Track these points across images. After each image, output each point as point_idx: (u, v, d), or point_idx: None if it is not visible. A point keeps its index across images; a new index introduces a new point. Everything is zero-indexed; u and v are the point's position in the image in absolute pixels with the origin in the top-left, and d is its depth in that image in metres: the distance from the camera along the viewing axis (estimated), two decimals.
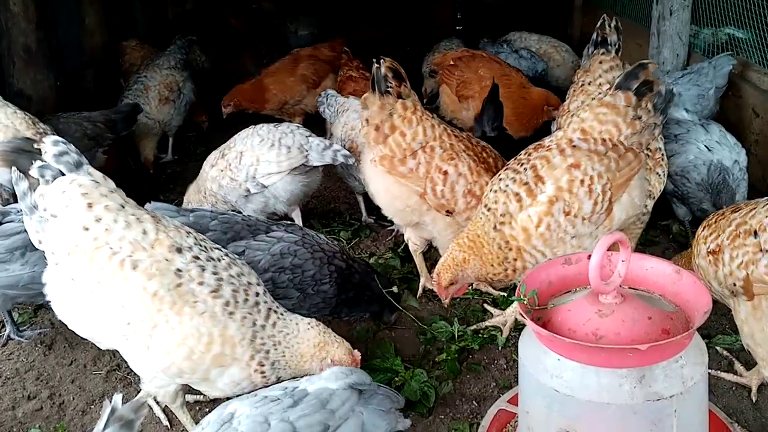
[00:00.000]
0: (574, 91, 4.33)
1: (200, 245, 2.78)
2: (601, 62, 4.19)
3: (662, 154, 4.16)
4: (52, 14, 6.18)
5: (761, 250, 2.82)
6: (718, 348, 3.54)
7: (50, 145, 2.65)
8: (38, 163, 2.64)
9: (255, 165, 4.37)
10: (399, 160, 3.66)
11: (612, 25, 4.16)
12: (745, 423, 3.10)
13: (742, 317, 2.98)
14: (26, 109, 5.53)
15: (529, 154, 3.40)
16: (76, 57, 6.88)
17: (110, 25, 7.54)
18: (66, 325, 3.90)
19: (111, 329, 2.68)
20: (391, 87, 3.61)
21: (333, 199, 5.63)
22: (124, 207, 2.69)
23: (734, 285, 2.91)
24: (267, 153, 4.36)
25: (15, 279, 3.39)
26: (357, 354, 2.90)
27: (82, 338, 3.83)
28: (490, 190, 3.44)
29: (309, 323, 2.85)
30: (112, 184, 2.74)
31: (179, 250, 2.68)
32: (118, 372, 3.61)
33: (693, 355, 2.34)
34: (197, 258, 2.70)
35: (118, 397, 1.97)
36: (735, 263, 2.90)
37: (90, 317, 2.70)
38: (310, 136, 4.43)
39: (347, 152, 4.38)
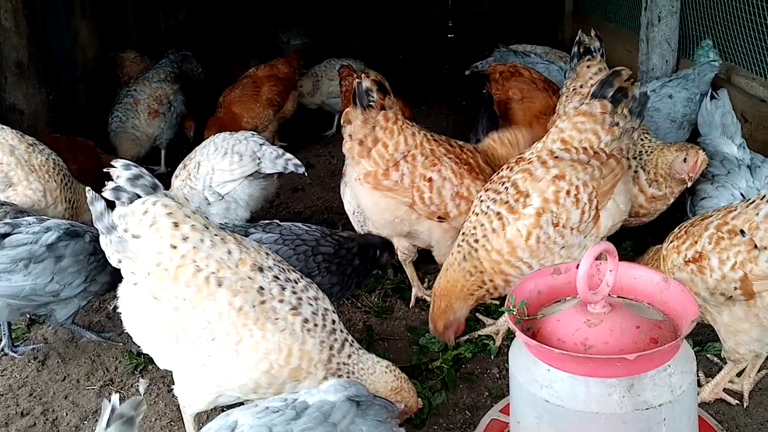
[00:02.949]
0: (567, 97, 4.35)
1: (279, 266, 2.84)
2: (588, 66, 4.22)
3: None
4: (44, 28, 6.20)
5: (756, 248, 2.81)
6: (708, 355, 3.55)
7: (122, 169, 2.69)
8: (111, 184, 2.68)
9: (211, 174, 4.42)
10: (383, 173, 3.67)
11: (592, 34, 4.20)
12: (737, 428, 3.11)
13: (740, 315, 2.93)
14: (19, 124, 5.58)
15: (511, 169, 3.42)
16: (68, 71, 6.89)
17: (103, 39, 7.56)
18: (59, 341, 3.97)
19: (192, 346, 2.69)
20: (374, 101, 3.63)
21: (327, 209, 5.64)
22: (207, 228, 2.74)
23: (734, 289, 2.87)
24: (221, 162, 4.41)
25: (17, 289, 3.45)
26: (420, 402, 2.97)
27: (75, 353, 3.89)
28: (472, 212, 3.46)
29: (387, 366, 2.88)
30: (192, 205, 2.77)
31: (261, 269, 2.74)
32: (111, 387, 3.61)
33: (681, 364, 2.35)
34: (277, 278, 2.76)
35: (115, 397, 2.00)
36: (727, 266, 2.87)
37: (168, 334, 2.71)
38: (263, 144, 4.49)
39: (298, 161, 4.47)
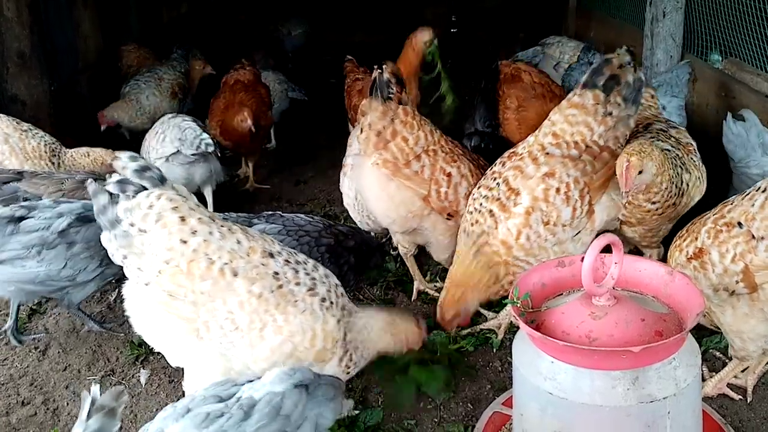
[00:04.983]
0: None
1: (287, 250, 2.85)
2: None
3: (696, 153, 3.74)
4: (47, 19, 6.19)
5: (754, 238, 2.80)
6: (711, 350, 3.53)
7: (128, 161, 2.65)
8: (115, 177, 2.63)
9: (148, 150, 4.90)
10: (403, 163, 3.65)
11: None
12: (740, 423, 3.10)
13: (745, 311, 2.92)
14: (20, 114, 5.57)
15: (503, 164, 3.40)
16: (70, 62, 6.89)
17: (105, 30, 7.55)
18: (60, 331, 3.96)
19: (215, 338, 2.67)
20: (393, 93, 3.59)
21: (329, 201, 5.63)
22: (213, 219, 2.73)
23: (736, 282, 2.86)
24: (152, 140, 4.90)
25: (32, 275, 3.45)
26: (423, 323, 3.04)
27: (76, 344, 3.88)
28: (467, 211, 3.44)
29: (371, 313, 2.97)
30: (195, 198, 2.77)
31: (271, 255, 2.74)
32: (112, 377, 3.60)
33: (686, 357, 2.34)
34: (288, 261, 2.77)
35: (95, 388, 1.97)
36: (727, 259, 2.86)
37: (188, 329, 2.68)
38: (188, 128, 4.78)
39: (210, 141, 4.78)
